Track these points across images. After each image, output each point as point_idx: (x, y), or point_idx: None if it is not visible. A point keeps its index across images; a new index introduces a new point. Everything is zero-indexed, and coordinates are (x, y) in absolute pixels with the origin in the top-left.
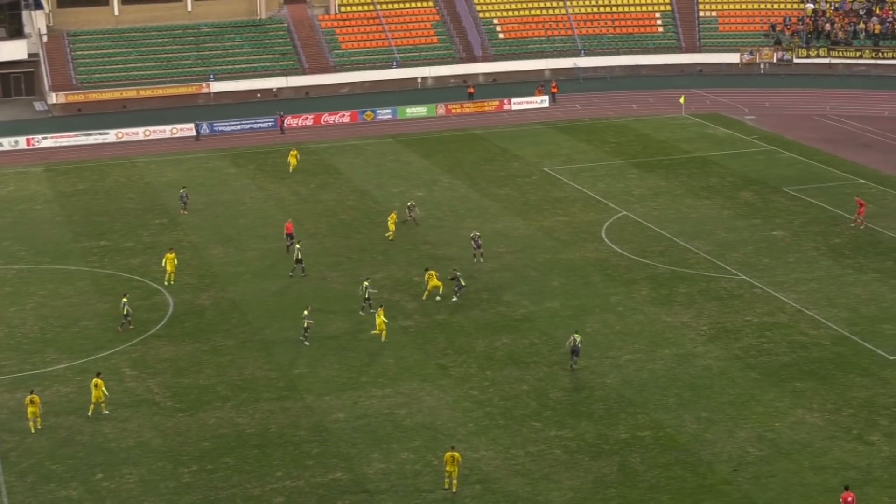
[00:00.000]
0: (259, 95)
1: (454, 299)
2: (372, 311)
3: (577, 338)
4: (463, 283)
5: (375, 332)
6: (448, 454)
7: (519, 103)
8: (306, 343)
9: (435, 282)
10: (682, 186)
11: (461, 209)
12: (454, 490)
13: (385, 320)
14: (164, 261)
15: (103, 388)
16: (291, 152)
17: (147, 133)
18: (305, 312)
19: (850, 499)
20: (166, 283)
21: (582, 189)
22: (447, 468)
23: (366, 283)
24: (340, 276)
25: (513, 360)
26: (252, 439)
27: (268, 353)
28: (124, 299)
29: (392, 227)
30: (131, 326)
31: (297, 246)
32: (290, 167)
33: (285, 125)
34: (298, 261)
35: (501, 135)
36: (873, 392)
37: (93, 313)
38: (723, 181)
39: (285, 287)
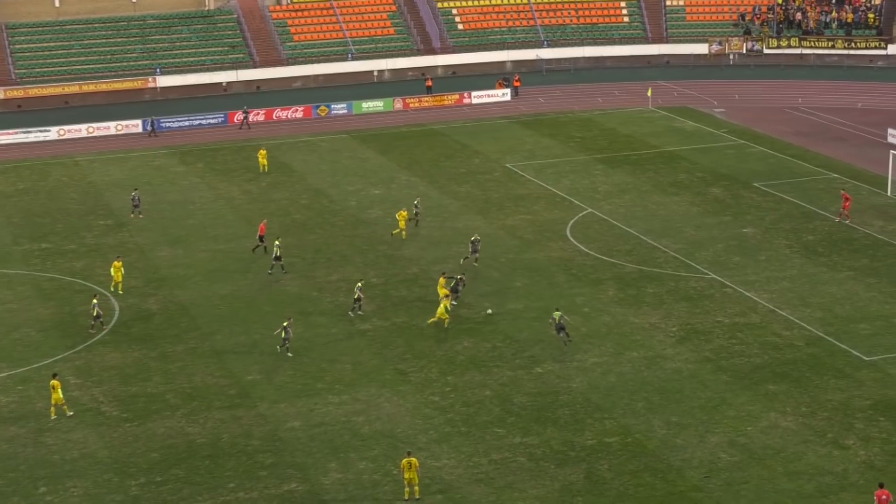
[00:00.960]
0: (225, 87)
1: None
2: (361, 313)
3: (558, 315)
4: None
5: (433, 319)
6: (405, 461)
7: (480, 97)
8: (289, 354)
9: (443, 293)
10: (649, 182)
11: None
12: (417, 496)
13: (448, 308)
14: (111, 269)
15: (60, 390)
16: (260, 151)
17: (90, 130)
18: (285, 323)
19: (884, 497)
20: (112, 290)
21: (546, 186)
22: (406, 476)
23: (359, 284)
24: (294, 278)
25: (475, 364)
26: (203, 449)
27: (219, 360)
28: (95, 300)
29: (403, 224)
30: (105, 327)
31: (277, 242)
32: (262, 168)
33: (249, 120)
34: (277, 258)
35: (461, 130)
36: (848, 394)
37: (34, 319)
38: (691, 177)
39: (236, 290)
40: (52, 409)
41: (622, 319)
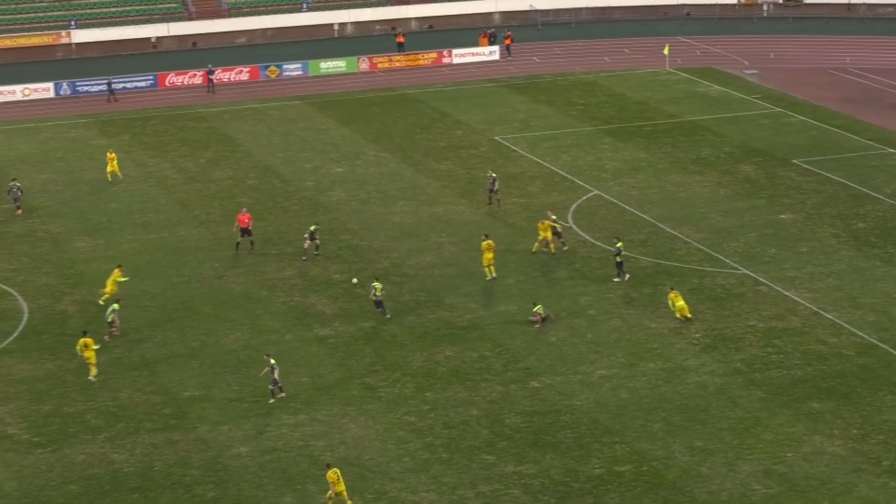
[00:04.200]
0: (154, 44)
1: (616, 278)
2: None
3: (538, 308)
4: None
5: (680, 314)
6: (331, 472)
7: (462, 55)
8: (282, 395)
9: (488, 256)
10: (666, 159)
11: (391, 189)
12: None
13: (683, 304)
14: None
15: (94, 347)
16: (108, 155)
17: None
18: (272, 361)
19: None
20: (102, 303)
21: (542, 163)
22: (336, 489)
23: (376, 285)
24: (239, 274)
25: (458, 377)
26: (131, 480)
27: (150, 372)
28: (116, 306)
29: (546, 234)
30: (115, 332)
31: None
32: (109, 172)
33: (214, 80)
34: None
35: (440, 95)
36: None
37: None
38: (718, 152)
39: (170, 288)
40: (93, 368)
41: (635, 324)
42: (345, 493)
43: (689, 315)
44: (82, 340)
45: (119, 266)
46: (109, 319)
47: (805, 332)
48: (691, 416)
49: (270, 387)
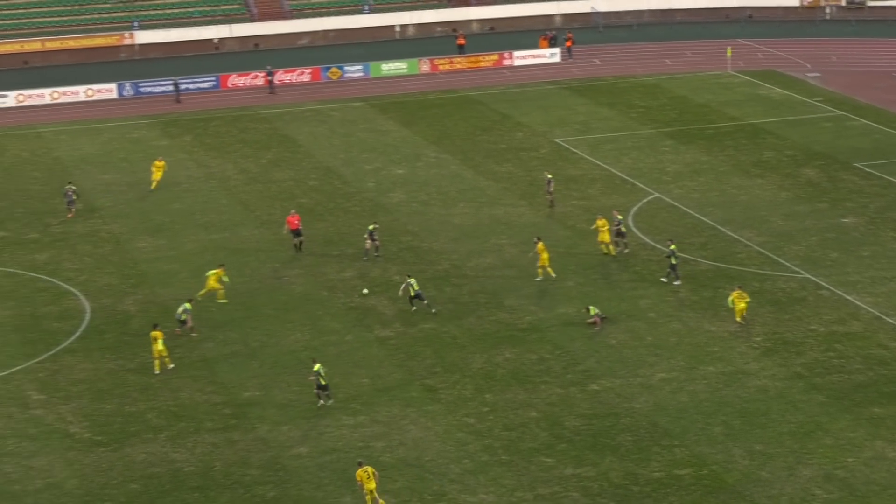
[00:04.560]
0: (217, 45)
1: (675, 281)
2: (433, 309)
3: (594, 310)
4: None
5: (739, 316)
6: (360, 471)
7: (523, 57)
8: (330, 402)
9: (545, 256)
10: (728, 162)
11: (451, 191)
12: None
13: (744, 307)
14: (210, 279)
15: (161, 341)
16: (156, 162)
17: (55, 95)
18: (316, 367)
19: None
20: (199, 297)
21: (603, 165)
22: (367, 487)
23: (411, 281)
24: (300, 275)
25: (518, 379)
26: (191, 480)
27: (210, 372)
28: (188, 305)
29: (606, 236)
30: (194, 334)
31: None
32: (154, 182)
33: (275, 82)
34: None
35: (501, 97)
36: None
37: None
38: (780, 155)
39: (231, 288)
40: (156, 362)
41: (696, 327)
42: (376, 492)
43: (739, 320)
44: (153, 333)
45: (221, 265)
46: (182, 318)
47: (866, 337)
48: (751, 420)
49: (315, 390)
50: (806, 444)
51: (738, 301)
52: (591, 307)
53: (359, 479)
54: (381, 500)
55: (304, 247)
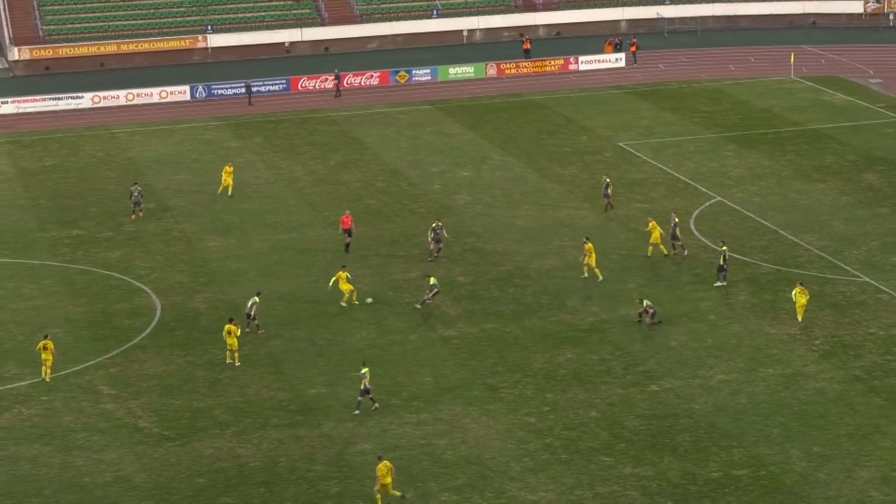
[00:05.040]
0: (288, 48)
1: (719, 282)
2: (429, 302)
3: (647, 303)
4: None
5: (800, 312)
6: (381, 465)
7: (588, 62)
8: (374, 406)
9: (656, 233)
10: (790, 166)
11: (516, 193)
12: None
13: (804, 304)
14: (333, 281)
15: (235, 336)
16: (226, 168)
17: (130, 97)
18: (364, 370)
19: None
20: (344, 304)
21: (666, 169)
22: (382, 481)
23: (432, 281)
24: (367, 273)
25: (578, 379)
26: (257, 474)
27: (277, 369)
28: (256, 298)
29: (656, 236)
30: (261, 331)
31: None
32: (223, 186)
33: (343, 85)
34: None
35: (566, 101)
36: None
37: (62, 318)
38: (841, 160)
39: (298, 288)
40: (228, 353)
41: (755, 329)
42: (390, 486)
43: (801, 319)
44: (227, 326)
45: (343, 266)
46: (252, 312)
47: None
48: (809, 421)
49: (359, 398)
50: (863, 446)
51: (800, 296)
52: (644, 300)
53: (378, 473)
54: (394, 492)
55: (352, 248)
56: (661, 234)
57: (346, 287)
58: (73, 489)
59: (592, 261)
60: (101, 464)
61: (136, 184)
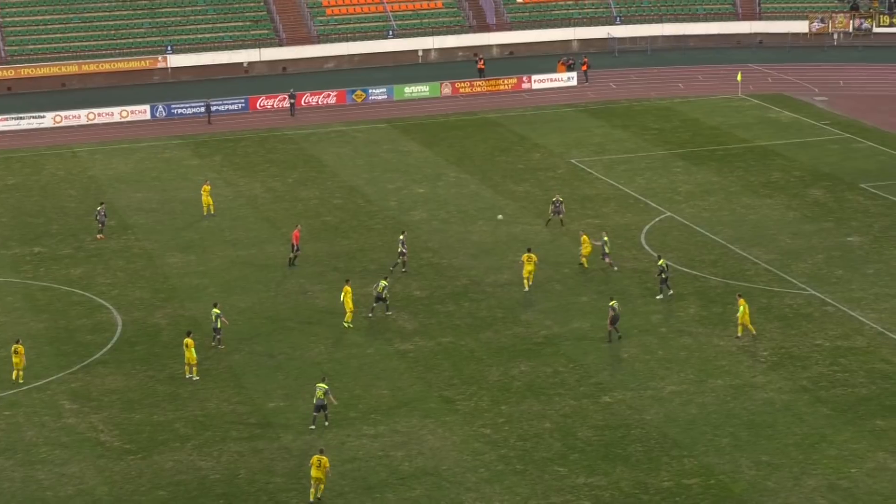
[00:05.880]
0: (246, 68)
1: (660, 296)
2: (389, 313)
3: (614, 304)
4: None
5: (741, 321)
6: (315, 458)
7: (541, 81)
8: (325, 423)
9: (588, 247)
10: (738, 182)
11: (471, 209)
12: (319, 496)
13: (745, 312)
14: (342, 295)
15: (193, 349)
16: (204, 187)
17: (91, 117)
18: (324, 385)
19: None
20: (347, 325)
21: (617, 185)
22: (314, 474)
23: (384, 283)
24: (323, 289)
25: (533, 391)
26: (217, 487)
27: (236, 383)
28: (217, 310)
29: (588, 249)
30: (221, 346)
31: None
32: (206, 208)
33: (298, 104)
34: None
35: (519, 119)
36: None
37: (25, 334)
38: (788, 176)
39: (258, 303)
40: (186, 367)
41: (705, 342)
42: (323, 479)
43: (747, 326)
44: (185, 340)
45: (347, 280)
46: (219, 325)
47: (870, 352)
48: (758, 431)
49: (314, 413)
50: (811, 455)
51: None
52: (613, 301)
53: (311, 462)
54: (320, 487)
55: (297, 264)
56: (591, 249)
57: (350, 307)
58: (36, 502)
59: (527, 272)
60: (63, 477)
61: (102, 203)
